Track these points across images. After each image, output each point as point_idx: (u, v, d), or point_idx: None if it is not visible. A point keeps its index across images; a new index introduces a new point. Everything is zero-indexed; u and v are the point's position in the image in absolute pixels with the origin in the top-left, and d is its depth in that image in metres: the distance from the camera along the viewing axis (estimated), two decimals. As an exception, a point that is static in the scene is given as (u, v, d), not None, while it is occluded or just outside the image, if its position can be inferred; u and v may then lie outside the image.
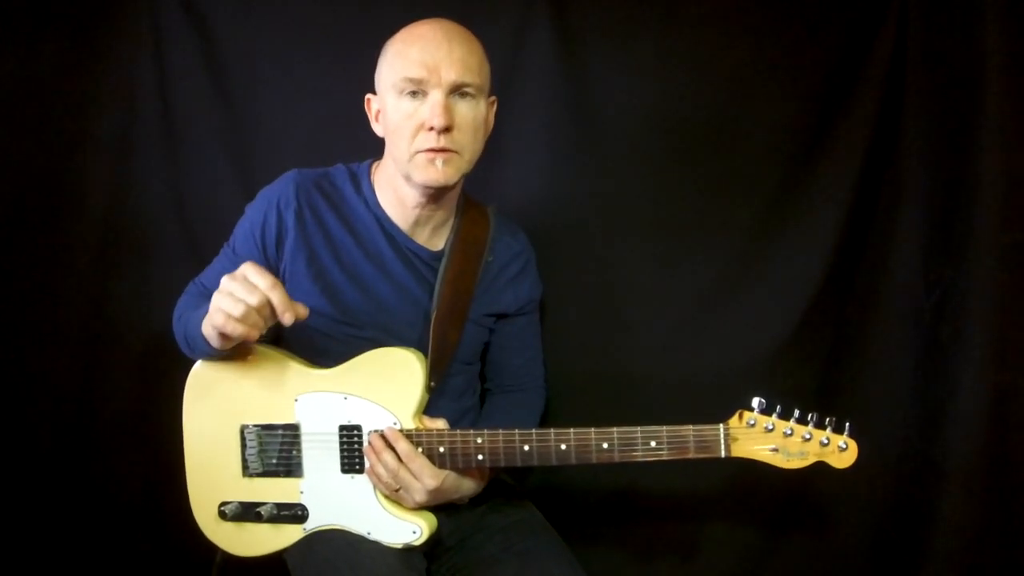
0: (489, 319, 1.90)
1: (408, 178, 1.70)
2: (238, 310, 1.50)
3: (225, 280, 1.52)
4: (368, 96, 1.77)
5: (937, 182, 2.07)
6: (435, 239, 1.83)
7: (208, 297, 1.65)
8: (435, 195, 1.73)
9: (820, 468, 1.59)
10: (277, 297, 1.51)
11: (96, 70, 2.24)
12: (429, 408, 1.73)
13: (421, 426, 1.68)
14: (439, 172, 1.66)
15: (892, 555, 2.15)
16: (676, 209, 2.19)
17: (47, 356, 2.29)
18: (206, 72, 2.25)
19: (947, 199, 2.06)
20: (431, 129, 1.63)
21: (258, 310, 1.51)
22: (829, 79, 2.11)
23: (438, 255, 1.81)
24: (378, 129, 1.76)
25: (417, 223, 1.79)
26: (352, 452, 1.69)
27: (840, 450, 1.55)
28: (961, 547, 2.04)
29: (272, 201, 1.78)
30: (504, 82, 2.06)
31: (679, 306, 2.21)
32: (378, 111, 1.75)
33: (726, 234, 2.18)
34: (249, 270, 1.52)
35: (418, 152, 1.65)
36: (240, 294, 1.50)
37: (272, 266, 1.79)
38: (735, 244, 2.18)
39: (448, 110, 1.63)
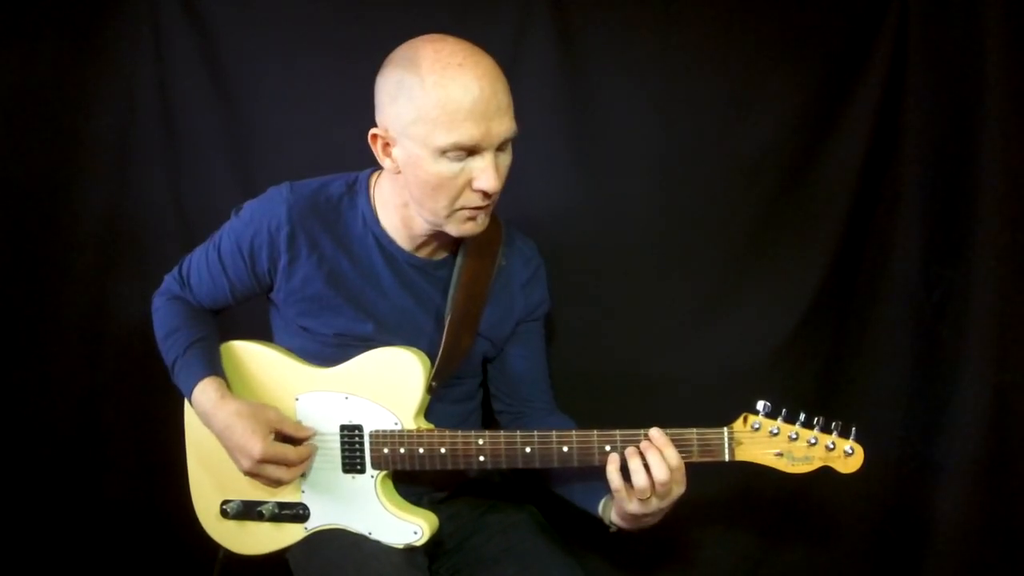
0: (500, 332, 1.84)
1: (437, 226, 1.62)
2: (279, 483, 1.67)
3: (253, 464, 1.63)
4: (373, 132, 1.59)
5: (937, 182, 2.07)
6: (438, 251, 1.77)
7: (191, 308, 1.82)
8: None
9: (822, 470, 1.59)
10: (302, 471, 1.70)
11: (96, 70, 2.24)
12: (431, 412, 1.72)
13: (422, 427, 1.68)
14: (478, 226, 1.60)
15: (892, 555, 2.15)
16: (677, 209, 2.19)
17: (48, 355, 2.30)
18: (206, 72, 2.24)
19: (947, 199, 2.06)
20: (485, 193, 1.54)
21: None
22: (829, 79, 2.11)
23: (442, 263, 1.77)
24: (388, 164, 1.61)
25: (419, 246, 1.73)
26: (353, 452, 1.69)
27: (846, 455, 1.54)
28: (961, 547, 2.05)
29: (263, 223, 1.70)
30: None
31: (680, 307, 2.21)
32: (386, 144, 1.59)
33: (727, 234, 2.18)
34: (272, 456, 1.63)
35: (460, 209, 1.57)
36: (275, 474, 1.65)
37: (260, 281, 1.76)
38: (735, 244, 2.18)
39: (499, 169, 1.53)
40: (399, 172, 1.60)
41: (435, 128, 1.49)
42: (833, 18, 2.09)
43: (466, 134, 1.48)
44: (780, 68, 2.12)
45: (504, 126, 1.51)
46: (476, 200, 1.55)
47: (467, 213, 1.58)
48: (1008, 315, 1.99)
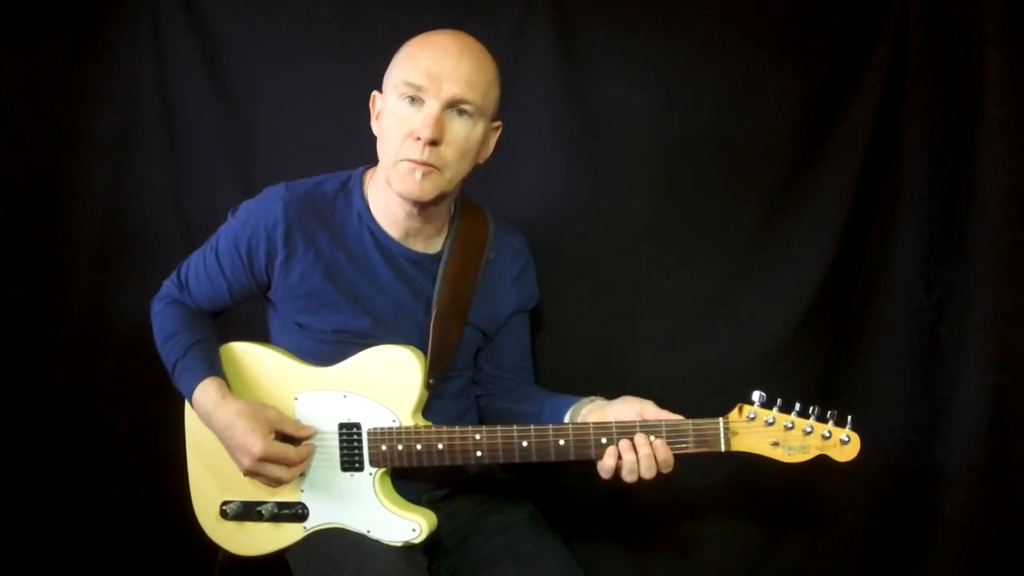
0: (491, 324, 1.87)
1: (389, 183, 1.66)
2: (279, 482, 1.68)
3: (253, 463, 1.64)
4: (375, 93, 1.72)
5: (937, 182, 2.07)
6: (432, 243, 1.79)
7: (189, 311, 1.83)
8: (419, 206, 1.68)
9: (821, 468, 1.58)
10: (302, 470, 1.71)
11: (96, 70, 2.25)
12: (428, 409, 1.72)
13: (420, 423, 1.68)
14: (416, 185, 1.62)
15: (892, 555, 2.15)
16: (677, 210, 2.19)
17: (47, 355, 2.29)
18: (206, 72, 2.25)
19: (947, 199, 2.06)
20: (418, 139, 1.59)
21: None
22: (829, 79, 2.11)
23: (437, 256, 1.79)
24: (375, 128, 1.70)
25: (409, 233, 1.75)
26: (352, 450, 1.69)
27: (842, 443, 1.55)
28: (961, 547, 2.05)
29: (259, 222, 1.72)
30: (504, 85, 2.06)
31: (680, 306, 2.21)
32: (380, 111, 1.70)
33: (727, 234, 2.18)
34: (272, 455, 1.65)
35: (402, 160, 1.62)
36: (275, 474, 1.66)
37: (258, 280, 1.77)
38: (736, 244, 2.18)
39: (440, 124, 1.59)
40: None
41: (399, 68, 1.64)
42: (833, 18, 2.10)
43: (416, 74, 1.60)
44: (780, 68, 2.13)
45: (457, 87, 1.60)
46: (415, 150, 1.60)
47: (407, 166, 1.62)
48: (1008, 315, 1.99)
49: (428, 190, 1.63)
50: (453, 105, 1.61)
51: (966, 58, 2.01)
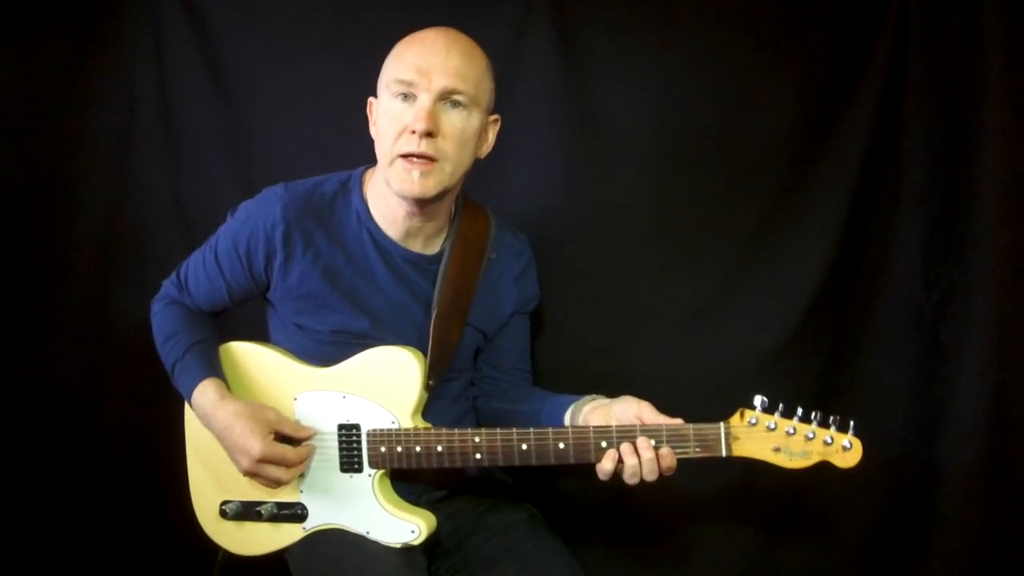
0: (491, 325, 1.87)
1: (388, 184, 1.66)
2: (279, 483, 1.68)
3: (252, 464, 1.64)
4: (371, 99, 1.73)
5: (937, 182, 2.07)
6: (431, 244, 1.79)
7: (189, 312, 1.83)
8: (420, 205, 1.68)
9: (821, 469, 1.57)
10: (301, 470, 1.70)
11: (96, 70, 2.25)
12: (428, 411, 1.72)
13: (419, 425, 1.68)
14: (415, 183, 1.61)
15: (892, 555, 2.15)
16: (677, 210, 2.19)
17: (47, 355, 2.30)
18: (206, 72, 2.25)
19: (947, 199, 2.06)
20: (413, 133, 1.59)
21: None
22: (829, 79, 2.11)
23: (436, 257, 1.78)
24: (373, 132, 1.71)
25: (409, 233, 1.75)
26: (351, 451, 1.69)
27: (844, 449, 1.53)
28: (961, 547, 2.05)
29: (258, 223, 1.73)
30: (504, 85, 2.06)
31: (680, 307, 2.21)
32: (376, 116, 1.70)
33: (727, 235, 2.18)
34: (271, 456, 1.64)
35: (398, 156, 1.62)
36: (274, 474, 1.66)
37: (257, 281, 1.77)
38: (736, 245, 2.18)
39: (433, 116, 1.60)
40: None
41: (389, 68, 1.66)
42: (833, 18, 2.10)
43: (405, 71, 1.62)
44: (780, 68, 2.13)
45: (447, 79, 1.61)
46: (411, 144, 1.60)
47: (403, 164, 1.62)
48: (1008, 315, 2.00)
49: (430, 186, 1.62)
50: (445, 97, 1.61)
51: (966, 58, 2.01)
